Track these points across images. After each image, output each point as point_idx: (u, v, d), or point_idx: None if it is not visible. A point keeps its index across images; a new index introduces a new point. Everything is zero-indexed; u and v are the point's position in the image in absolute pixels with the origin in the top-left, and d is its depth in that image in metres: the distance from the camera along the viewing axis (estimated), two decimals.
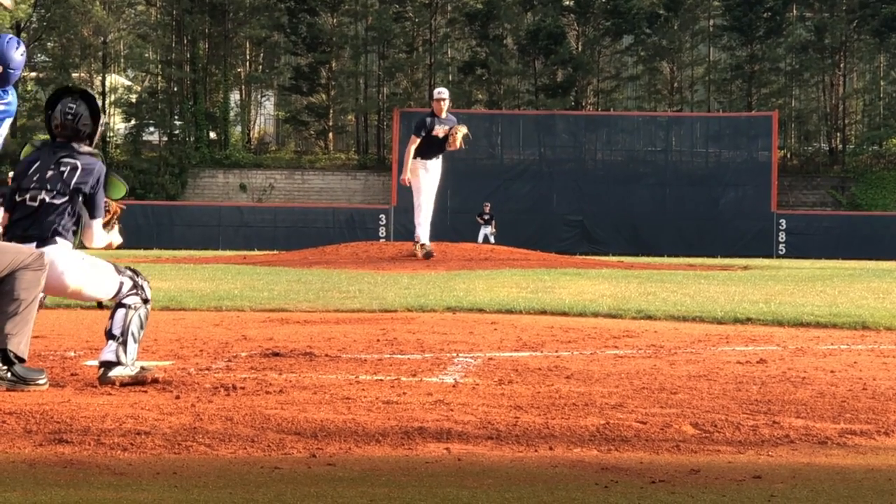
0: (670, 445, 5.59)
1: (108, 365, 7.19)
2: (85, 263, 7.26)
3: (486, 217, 45.26)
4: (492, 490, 4.68)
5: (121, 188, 7.51)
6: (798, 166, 59.11)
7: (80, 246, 7.41)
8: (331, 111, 63.02)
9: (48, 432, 5.66)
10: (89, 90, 7.61)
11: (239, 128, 63.75)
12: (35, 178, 7.30)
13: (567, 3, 63.40)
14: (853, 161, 58.31)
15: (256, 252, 35.62)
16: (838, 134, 61.23)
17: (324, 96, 63.09)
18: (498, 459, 5.29)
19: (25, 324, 6.96)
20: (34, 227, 7.20)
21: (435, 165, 22.10)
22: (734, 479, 4.92)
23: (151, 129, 61.44)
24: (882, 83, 61.74)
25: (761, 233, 47.60)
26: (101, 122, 7.52)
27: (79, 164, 7.33)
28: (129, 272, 7.42)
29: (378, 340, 9.96)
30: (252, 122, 66.73)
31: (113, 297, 7.40)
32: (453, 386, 7.36)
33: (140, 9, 66.08)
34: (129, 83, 66.30)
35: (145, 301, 7.43)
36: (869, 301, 14.75)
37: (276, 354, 8.75)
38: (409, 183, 21.99)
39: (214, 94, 61.52)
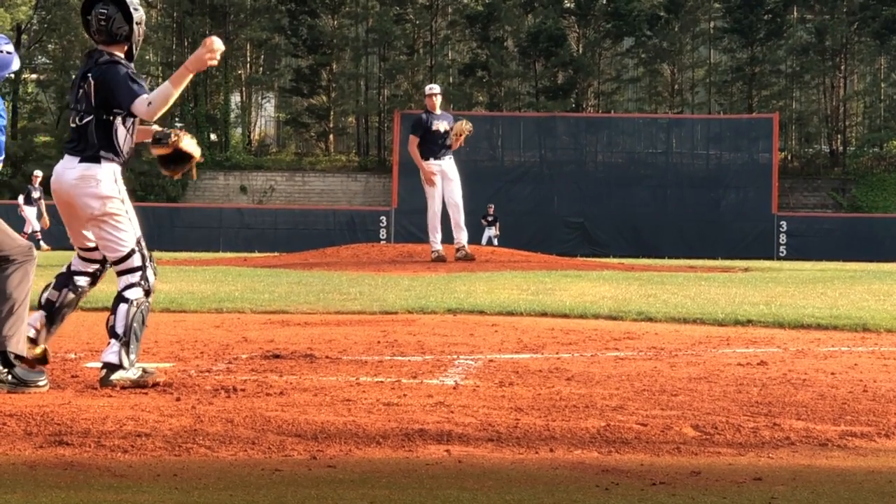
0: (671, 447, 5.59)
1: (110, 367, 7.18)
2: (116, 205, 7.26)
3: (490, 219, 45.25)
4: (492, 492, 4.68)
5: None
6: (799, 168, 59.14)
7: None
8: (331, 113, 63.04)
9: (48, 434, 5.66)
10: None
11: (239, 130, 63.79)
12: (70, 97, 7.44)
13: (568, 5, 63.44)
14: (854, 163, 58.32)
15: (257, 254, 35.61)
16: (839, 136, 61.25)
17: (324, 98, 63.11)
18: (498, 461, 5.29)
19: (21, 322, 6.97)
20: (80, 142, 7.27)
21: (450, 166, 22.02)
22: (735, 481, 4.92)
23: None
24: (883, 85, 61.76)
25: (762, 235, 47.58)
26: (135, 21, 7.35)
27: (101, 75, 7.24)
28: (146, 252, 7.40)
29: (379, 342, 9.96)
30: (253, 124, 66.75)
31: (116, 263, 7.34)
32: (454, 388, 7.36)
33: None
34: None
35: (147, 293, 7.34)
36: (870, 303, 14.75)
37: (277, 356, 8.75)
38: (435, 184, 21.88)
39: (215, 96, 61.55)
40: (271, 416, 6.11)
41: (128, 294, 7.29)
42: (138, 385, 7.10)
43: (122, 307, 7.26)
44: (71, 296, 7.54)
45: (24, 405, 6.41)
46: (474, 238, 38.92)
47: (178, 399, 6.74)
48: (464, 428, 5.92)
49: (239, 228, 48.45)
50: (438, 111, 22.06)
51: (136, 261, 7.32)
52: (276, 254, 32.57)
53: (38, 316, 7.40)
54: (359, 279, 18.48)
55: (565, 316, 12.57)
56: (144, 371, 7.25)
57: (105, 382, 7.13)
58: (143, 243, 7.40)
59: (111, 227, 7.26)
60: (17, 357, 6.91)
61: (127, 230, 7.29)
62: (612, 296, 15.47)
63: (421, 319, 12.14)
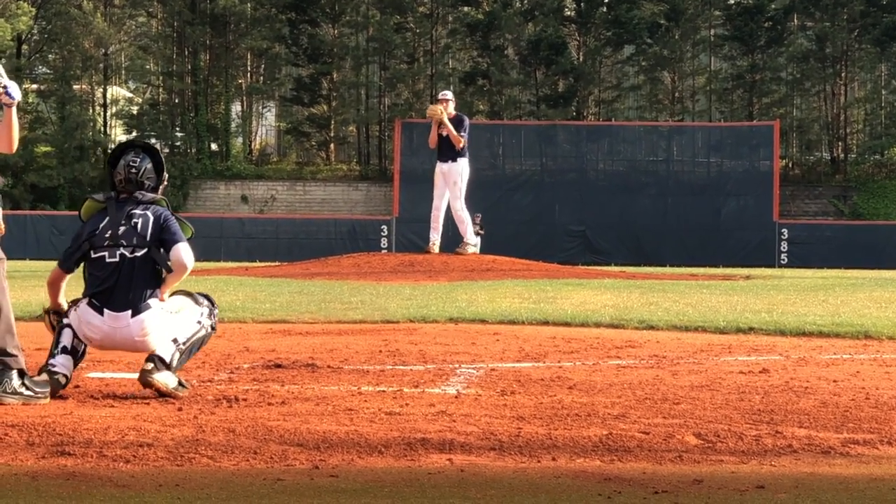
0: (673, 456, 5.59)
1: (159, 361, 7.15)
2: (172, 318, 7.35)
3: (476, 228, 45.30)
4: (495, 501, 4.68)
5: (187, 230, 7.53)
6: (800, 176, 59.13)
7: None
8: (332, 122, 63.06)
9: (51, 444, 5.66)
10: (151, 144, 7.69)
11: (240, 139, 63.79)
12: (108, 235, 7.31)
13: (568, 13, 63.48)
14: (855, 170, 58.32)
15: (258, 263, 35.62)
16: (840, 143, 61.25)
17: (325, 107, 63.13)
18: (501, 470, 5.29)
19: (12, 326, 6.96)
20: (123, 291, 7.20)
21: (446, 167, 22.82)
22: (737, 490, 4.92)
23: (153, 140, 61.48)
24: (883, 92, 61.76)
25: (763, 242, 47.57)
26: (164, 174, 7.58)
27: (149, 214, 7.37)
28: (206, 302, 7.57)
29: (380, 351, 9.96)
30: (253, 134, 66.76)
31: None
32: (456, 397, 7.35)
33: (141, 20, 66.16)
34: (131, 95, 66.37)
35: (213, 328, 7.60)
36: (871, 310, 14.75)
37: (279, 366, 8.75)
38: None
39: (216, 106, 61.57)
40: (273, 426, 6.11)
41: (200, 318, 7.48)
42: (170, 395, 7.10)
43: (196, 325, 7.44)
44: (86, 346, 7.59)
45: (27, 415, 6.41)
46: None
47: (179, 409, 6.74)
48: (466, 437, 5.92)
49: (240, 238, 48.46)
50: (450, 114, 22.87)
51: (204, 315, 7.58)
52: (277, 263, 32.59)
53: (66, 361, 7.30)
54: (360, 288, 18.49)
55: (567, 324, 12.57)
56: (180, 383, 7.24)
57: (146, 377, 7.09)
58: (196, 295, 7.63)
59: (177, 333, 7.44)
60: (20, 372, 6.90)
61: (186, 317, 7.50)
62: (614, 304, 15.47)
63: (422, 328, 12.14)
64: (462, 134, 22.80)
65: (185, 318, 7.39)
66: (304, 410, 6.71)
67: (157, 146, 61.30)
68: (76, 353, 7.36)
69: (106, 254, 7.26)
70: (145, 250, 7.28)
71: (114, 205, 7.44)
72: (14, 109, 7.29)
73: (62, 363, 7.21)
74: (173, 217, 7.44)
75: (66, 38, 59.14)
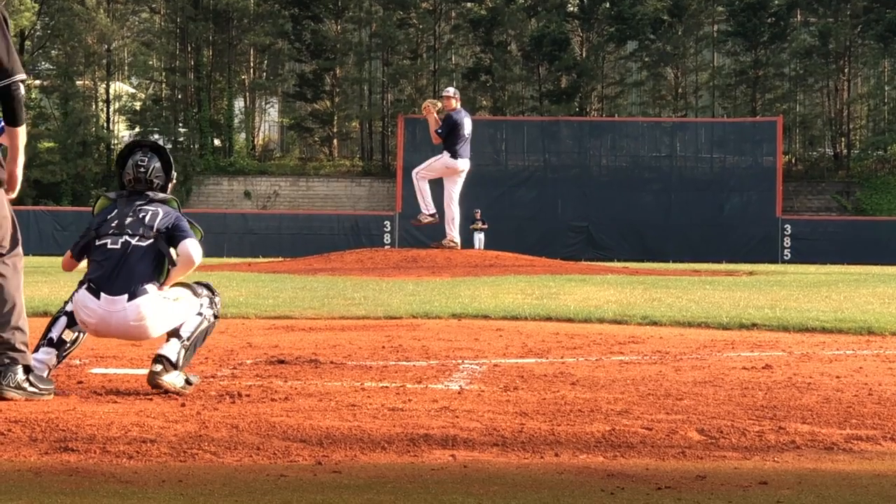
0: (676, 451, 5.59)
1: (165, 361, 7.15)
2: (169, 305, 7.31)
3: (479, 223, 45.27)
4: (497, 497, 4.68)
5: (197, 233, 7.54)
6: (803, 171, 59.11)
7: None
8: (335, 118, 63.08)
9: (53, 440, 5.66)
10: (159, 143, 7.76)
11: (243, 135, 63.84)
12: (114, 225, 7.34)
13: (571, 9, 63.46)
14: (858, 166, 58.31)
15: (261, 259, 35.64)
16: (843, 139, 61.23)
17: (328, 103, 63.15)
18: (504, 466, 5.28)
19: (24, 320, 6.96)
20: (123, 277, 7.20)
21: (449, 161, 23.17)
22: (740, 486, 4.91)
23: (156, 136, 61.52)
24: (887, 88, 61.73)
25: (766, 238, 47.59)
26: (172, 173, 7.61)
27: (158, 209, 7.41)
28: (205, 292, 7.54)
29: (383, 347, 9.96)
30: (256, 130, 66.80)
31: None
32: (458, 393, 7.35)
33: (144, 16, 66.21)
34: (134, 91, 66.40)
35: (216, 316, 7.56)
36: (874, 306, 14.74)
37: (282, 362, 8.75)
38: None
39: (219, 102, 61.60)
40: (276, 422, 6.11)
41: (201, 310, 7.44)
42: (178, 394, 7.10)
43: (196, 317, 7.40)
44: (83, 336, 7.57)
45: (29, 411, 6.40)
46: (466, 243, 39.03)
47: (182, 405, 6.74)
48: (469, 433, 5.92)
49: (243, 234, 48.49)
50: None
51: (205, 305, 7.52)
52: (280, 259, 32.61)
53: (46, 356, 7.30)
54: (363, 284, 18.49)
55: (570, 320, 12.57)
56: (187, 381, 7.24)
57: (154, 380, 7.10)
58: (195, 285, 7.58)
59: (173, 322, 7.41)
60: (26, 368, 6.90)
61: (184, 305, 7.47)
62: (617, 300, 15.47)
63: (425, 324, 12.14)
64: (438, 131, 22.93)
65: (183, 307, 7.36)
66: (307, 406, 6.70)
67: (162, 143, 61.44)
68: (62, 346, 7.39)
69: (109, 241, 7.29)
70: (150, 241, 7.28)
71: (124, 199, 7.48)
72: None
73: (41, 359, 7.23)
74: (184, 218, 7.46)
75: (69, 33, 59.18)
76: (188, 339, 7.29)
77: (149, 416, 6.32)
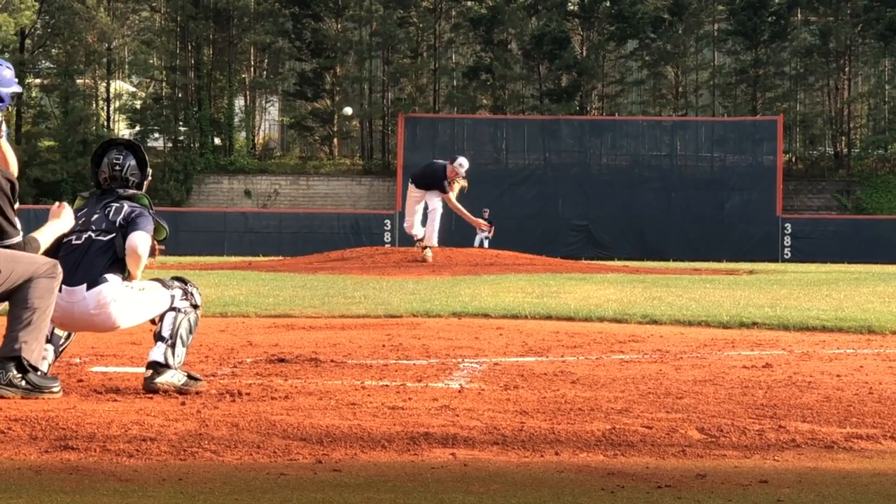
0: (676, 450, 5.59)
1: (156, 366, 7.16)
2: (133, 293, 7.30)
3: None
4: (498, 495, 4.68)
5: (161, 231, 7.54)
6: (803, 170, 59.08)
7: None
8: (335, 116, 63.04)
9: (54, 439, 5.66)
10: (134, 141, 7.75)
11: (244, 134, 63.79)
12: (80, 222, 7.38)
13: (572, 7, 63.43)
14: (858, 165, 58.29)
15: (261, 258, 35.65)
16: (843, 138, 61.20)
17: (328, 102, 63.12)
18: (504, 465, 5.29)
19: (39, 332, 6.95)
20: (82, 268, 7.22)
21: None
22: (740, 484, 4.92)
23: (156, 135, 61.54)
24: (887, 87, 61.66)
25: (766, 237, 47.59)
26: (147, 170, 7.61)
27: (125, 205, 7.43)
28: (177, 283, 7.50)
29: (383, 346, 9.96)
30: (257, 128, 66.74)
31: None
32: (459, 391, 7.35)
33: (144, 15, 66.17)
34: (134, 89, 66.35)
35: (195, 307, 7.49)
36: (875, 305, 14.75)
37: (282, 360, 8.75)
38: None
39: (219, 100, 61.56)
40: (276, 420, 6.11)
41: (176, 304, 7.41)
42: (181, 392, 7.10)
43: (170, 315, 7.37)
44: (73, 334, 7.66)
45: (30, 410, 6.41)
46: (467, 241, 39.00)
47: (183, 403, 6.74)
48: (469, 431, 5.92)
49: (243, 232, 48.49)
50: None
51: (177, 297, 7.47)
52: (280, 258, 32.62)
53: (48, 353, 7.34)
54: (363, 283, 18.49)
55: (570, 319, 12.59)
56: (189, 377, 7.24)
57: (150, 386, 7.12)
58: (166, 279, 7.55)
59: (143, 314, 7.44)
60: (31, 366, 6.90)
61: (153, 296, 7.45)
62: (617, 298, 15.48)
63: (426, 323, 12.15)
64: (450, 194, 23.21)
65: (151, 298, 7.32)
66: (307, 405, 6.71)
67: (161, 140, 61.45)
68: (56, 340, 7.48)
69: (73, 237, 7.34)
70: (112, 235, 7.30)
71: (96, 197, 7.52)
72: (4, 140, 7.52)
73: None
74: (148, 214, 7.44)
75: (69, 32, 59.13)
76: (170, 336, 7.28)
77: (149, 415, 6.32)
